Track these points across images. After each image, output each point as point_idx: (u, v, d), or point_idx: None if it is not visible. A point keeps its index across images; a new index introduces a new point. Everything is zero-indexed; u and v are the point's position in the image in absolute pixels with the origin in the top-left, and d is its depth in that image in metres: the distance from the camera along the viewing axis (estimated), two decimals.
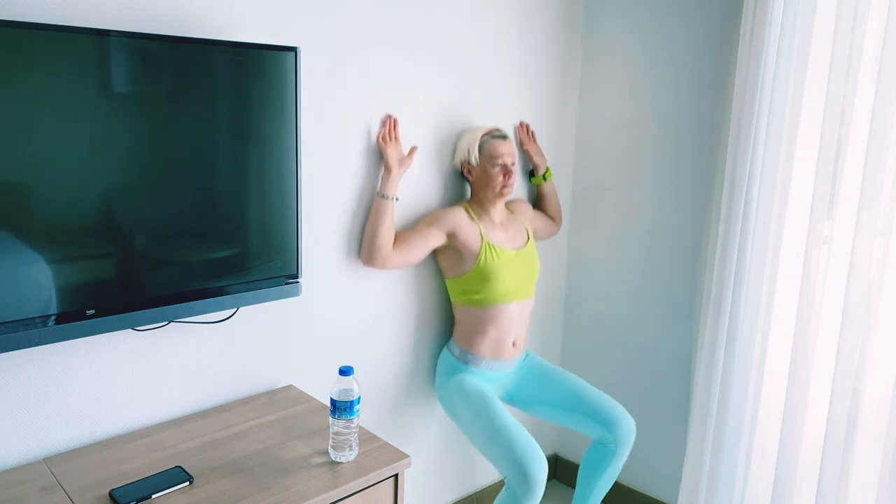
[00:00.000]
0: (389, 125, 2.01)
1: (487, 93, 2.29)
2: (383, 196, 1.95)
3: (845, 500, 1.97)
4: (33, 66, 1.26)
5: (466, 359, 2.14)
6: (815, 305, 1.98)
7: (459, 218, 2.07)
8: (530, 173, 2.47)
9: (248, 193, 1.60)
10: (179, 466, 1.48)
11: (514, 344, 2.18)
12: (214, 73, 1.50)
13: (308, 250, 1.90)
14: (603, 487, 2.19)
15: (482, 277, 2.07)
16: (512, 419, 1.97)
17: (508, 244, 2.15)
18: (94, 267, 1.40)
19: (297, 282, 1.72)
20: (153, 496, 1.37)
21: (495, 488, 2.62)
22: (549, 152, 2.54)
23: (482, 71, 2.26)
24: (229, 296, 1.61)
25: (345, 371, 1.50)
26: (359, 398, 1.52)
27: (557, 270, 2.71)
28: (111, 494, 1.37)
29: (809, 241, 1.97)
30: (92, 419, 1.59)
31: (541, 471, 1.89)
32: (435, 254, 2.18)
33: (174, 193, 1.49)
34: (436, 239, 2.05)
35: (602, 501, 2.68)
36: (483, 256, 2.06)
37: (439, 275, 2.25)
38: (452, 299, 2.18)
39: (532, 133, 2.44)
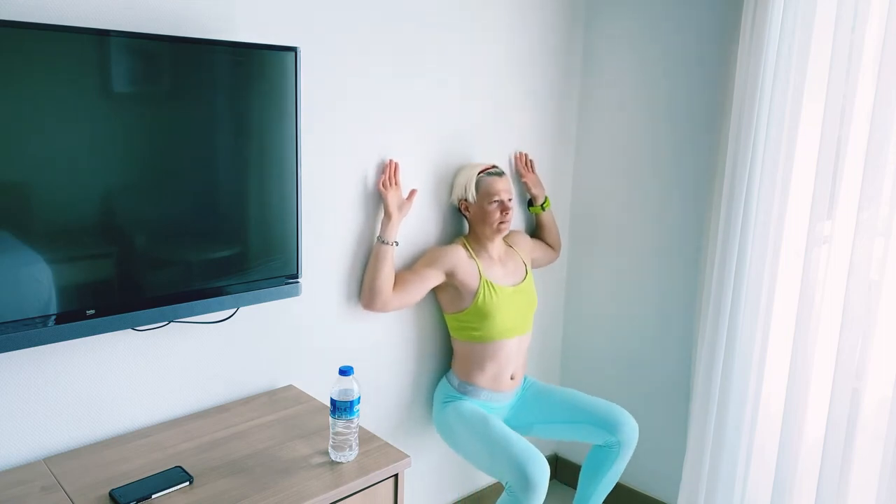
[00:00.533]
0: (390, 171, 2.01)
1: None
2: (383, 241, 1.96)
3: (845, 500, 1.97)
4: (33, 66, 1.26)
5: (465, 390, 2.15)
6: (815, 305, 1.98)
7: (458, 256, 2.08)
8: (529, 202, 2.48)
9: (248, 193, 1.60)
10: (179, 466, 1.48)
11: (511, 377, 2.19)
12: (214, 74, 1.50)
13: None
14: (605, 489, 2.19)
15: (480, 315, 2.09)
16: (510, 430, 1.98)
17: (506, 280, 2.16)
18: (94, 267, 1.40)
19: (297, 282, 1.72)
20: (153, 496, 1.37)
21: (495, 488, 2.62)
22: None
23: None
24: (229, 296, 1.61)
25: (345, 371, 1.50)
26: (359, 398, 1.52)
27: (557, 272, 2.71)
28: (111, 494, 1.37)
29: (809, 241, 1.97)
30: (92, 419, 1.59)
31: (542, 473, 1.89)
32: (434, 290, 2.18)
33: (174, 193, 1.49)
34: (434, 279, 2.06)
35: (602, 502, 2.68)
36: (481, 295, 2.08)
37: (439, 307, 2.27)
38: (451, 334, 2.19)
39: (530, 162, 2.45)
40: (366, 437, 1.64)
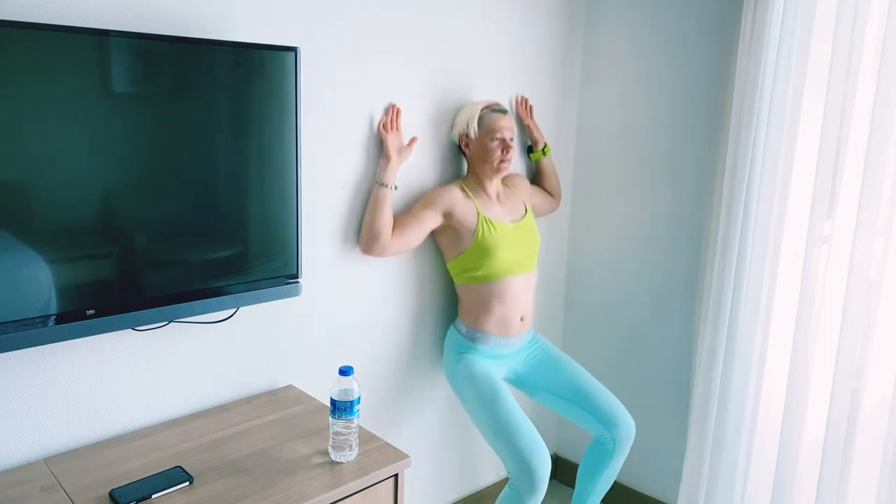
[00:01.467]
0: (392, 114, 2.00)
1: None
2: (382, 184, 1.94)
3: (845, 500, 1.97)
4: (33, 66, 1.26)
5: (474, 336, 2.12)
6: (815, 305, 1.98)
7: (455, 197, 2.06)
8: (528, 149, 2.45)
9: (248, 193, 1.60)
10: (179, 466, 1.48)
11: (521, 319, 2.16)
12: (214, 74, 1.50)
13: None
14: (602, 487, 2.19)
15: (481, 253, 2.06)
16: (519, 412, 1.97)
17: (506, 218, 2.14)
18: (94, 267, 1.40)
19: (297, 282, 1.72)
20: (153, 496, 1.37)
21: (495, 488, 2.62)
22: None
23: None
24: (229, 296, 1.61)
25: (345, 371, 1.50)
26: (359, 398, 1.52)
27: (557, 270, 2.71)
28: (111, 494, 1.37)
29: (809, 241, 1.97)
30: (92, 419, 1.59)
31: (545, 468, 1.89)
32: (434, 235, 2.16)
33: (174, 193, 1.49)
34: (432, 221, 2.03)
35: (602, 501, 2.68)
36: (480, 231, 2.05)
37: (437, 257, 2.24)
38: (455, 280, 2.16)
39: (531, 108, 2.43)
40: (366, 437, 1.64)
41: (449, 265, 2.15)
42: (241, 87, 1.55)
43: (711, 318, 2.15)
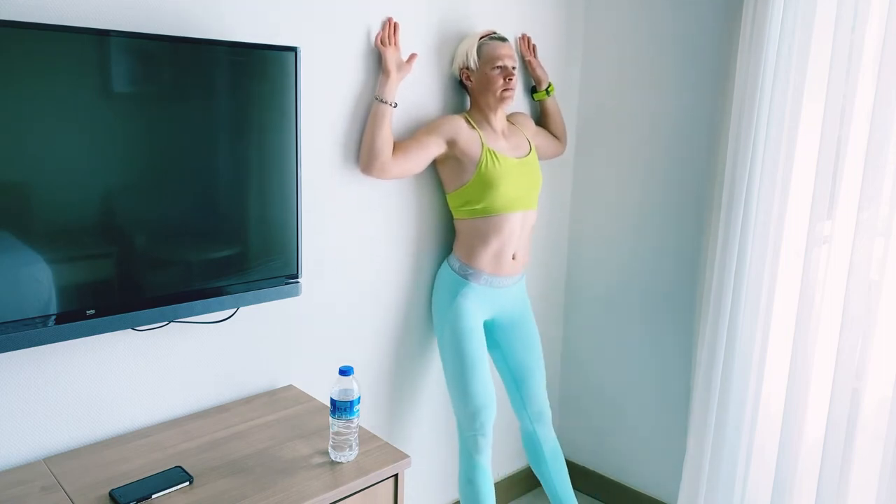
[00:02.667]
0: (389, 28, 1.96)
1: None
2: (381, 100, 1.91)
3: (845, 500, 1.97)
4: (33, 66, 1.26)
5: (466, 273, 2.10)
6: (815, 305, 1.98)
7: (459, 126, 2.03)
8: (532, 89, 2.42)
9: (248, 193, 1.60)
10: (179, 466, 1.48)
11: (514, 257, 2.14)
12: (214, 74, 1.50)
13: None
14: (554, 470, 2.27)
15: (484, 185, 2.03)
16: (485, 364, 2.06)
17: (510, 152, 2.11)
18: (94, 267, 1.40)
19: (297, 282, 1.72)
20: (153, 496, 1.37)
21: (495, 488, 2.62)
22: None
23: None
24: (229, 296, 1.61)
25: (345, 371, 1.51)
26: (359, 398, 1.52)
27: (557, 270, 2.71)
28: (111, 494, 1.37)
29: (809, 241, 1.97)
30: (92, 419, 1.59)
31: (488, 413, 2.04)
32: (435, 166, 2.13)
33: (174, 193, 1.49)
34: (435, 147, 2.00)
35: (601, 501, 2.68)
36: (484, 163, 2.02)
37: (437, 193, 2.20)
38: (454, 214, 2.13)
39: (534, 46, 2.39)
40: (366, 437, 1.64)
41: (449, 198, 2.12)
42: (241, 87, 1.55)
43: (711, 318, 2.15)
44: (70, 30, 1.29)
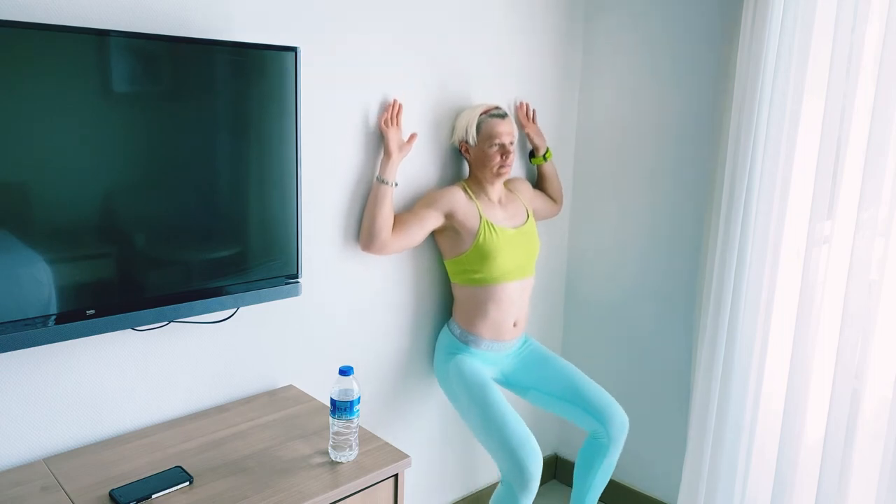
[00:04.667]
0: (393, 110, 1.99)
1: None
2: (382, 181, 1.94)
3: (845, 500, 1.97)
4: (33, 66, 1.26)
5: (466, 339, 2.12)
6: (815, 305, 1.98)
7: (457, 197, 2.06)
8: (530, 153, 2.44)
9: (248, 193, 1.60)
10: (179, 466, 1.48)
11: (514, 324, 2.16)
12: (214, 73, 1.50)
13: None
14: (599, 484, 2.19)
15: (481, 256, 2.05)
16: (510, 410, 1.97)
17: (507, 222, 2.13)
18: (94, 267, 1.40)
19: (297, 282, 1.72)
20: (153, 496, 1.37)
21: (495, 488, 2.62)
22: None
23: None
24: (229, 296, 1.61)
25: (345, 371, 1.51)
26: (359, 398, 1.52)
27: (557, 270, 2.71)
28: (111, 494, 1.37)
29: (809, 241, 1.97)
30: (92, 419, 1.59)
31: (536, 465, 1.90)
32: (433, 234, 2.16)
33: (174, 193, 1.49)
34: (434, 220, 2.03)
35: (601, 501, 2.68)
36: (482, 235, 2.05)
37: (436, 256, 2.24)
38: (452, 279, 2.15)
39: (532, 112, 2.41)
40: (366, 437, 1.64)
41: (447, 264, 2.15)
42: (241, 87, 1.55)
43: (711, 318, 2.15)
44: (70, 30, 1.29)
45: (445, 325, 2.21)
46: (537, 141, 2.39)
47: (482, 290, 2.09)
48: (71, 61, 1.30)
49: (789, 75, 1.95)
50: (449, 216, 2.05)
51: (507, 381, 2.23)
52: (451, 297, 2.29)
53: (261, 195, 1.62)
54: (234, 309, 1.71)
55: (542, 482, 2.79)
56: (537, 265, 2.60)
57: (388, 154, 1.96)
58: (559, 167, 2.60)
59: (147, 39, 1.40)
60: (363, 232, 1.97)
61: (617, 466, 2.65)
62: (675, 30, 2.31)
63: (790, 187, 2.00)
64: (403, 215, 2.02)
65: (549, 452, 2.84)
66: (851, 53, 1.84)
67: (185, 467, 1.49)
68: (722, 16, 2.18)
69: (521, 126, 2.39)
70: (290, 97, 1.63)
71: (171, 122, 1.46)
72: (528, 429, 1.95)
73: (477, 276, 2.08)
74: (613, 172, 2.54)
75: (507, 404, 1.99)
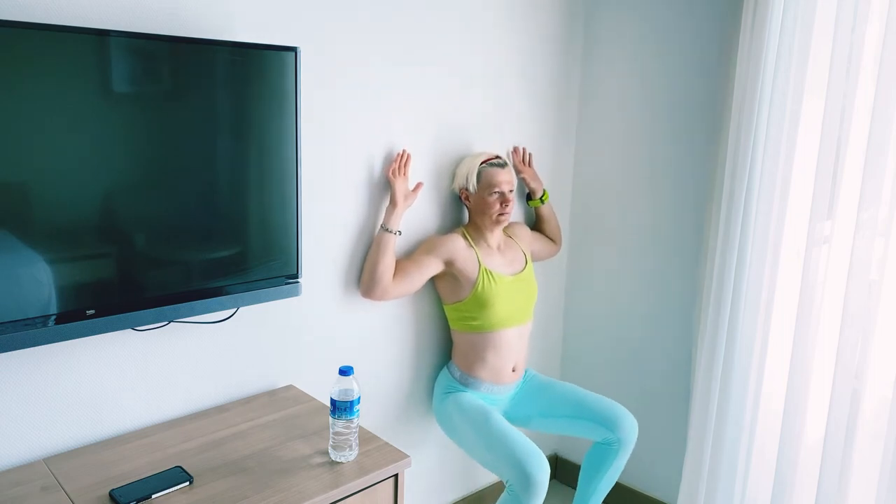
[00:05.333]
0: (401, 160, 2.02)
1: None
2: (387, 230, 1.97)
3: (845, 499, 1.97)
4: (33, 66, 1.26)
5: (466, 382, 2.15)
6: (815, 305, 1.98)
7: (457, 245, 2.08)
8: (527, 196, 2.47)
9: (248, 193, 1.60)
10: (179, 466, 1.48)
11: (513, 370, 2.18)
12: (214, 74, 1.50)
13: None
14: (605, 487, 2.19)
15: (480, 304, 2.08)
16: (510, 426, 1.98)
17: (506, 269, 2.16)
18: (95, 267, 1.40)
19: (297, 282, 1.72)
20: (153, 496, 1.37)
21: (495, 488, 2.62)
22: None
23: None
24: (229, 296, 1.61)
25: (345, 371, 1.51)
26: (359, 398, 1.52)
27: (558, 268, 2.71)
28: (111, 494, 1.37)
29: (809, 241, 1.97)
30: (92, 419, 1.59)
31: (542, 471, 1.89)
32: (433, 280, 2.18)
33: (174, 193, 1.49)
34: (434, 267, 2.05)
35: (602, 501, 2.68)
36: (481, 283, 2.07)
37: (438, 299, 2.26)
38: (451, 325, 2.18)
39: (529, 156, 2.44)
40: (366, 437, 1.64)
41: (447, 309, 2.18)
42: (241, 88, 1.55)
43: (711, 319, 2.15)
44: (70, 30, 1.29)
45: (445, 368, 2.23)
46: (534, 185, 2.41)
47: (480, 337, 2.11)
48: (71, 61, 1.30)
49: (789, 75, 1.95)
50: (449, 263, 2.07)
51: (507, 417, 2.24)
52: (450, 336, 2.30)
53: (261, 195, 1.62)
54: (234, 309, 1.71)
55: None
56: (537, 264, 2.60)
57: (393, 203, 1.98)
58: (560, 168, 2.60)
59: (147, 39, 1.40)
60: (364, 278, 1.99)
61: None
62: (675, 30, 2.31)
63: (790, 187, 2.00)
64: (403, 262, 2.03)
65: (549, 452, 2.84)
66: (851, 53, 1.84)
67: (185, 467, 1.49)
68: (722, 16, 2.18)
69: (517, 171, 2.41)
70: (290, 97, 1.63)
71: (171, 123, 1.46)
72: (529, 440, 1.95)
73: (475, 322, 2.10)
74: (614, 171, 2.54)
75: (506, 422, 2.00)
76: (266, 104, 1.60)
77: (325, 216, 1.92)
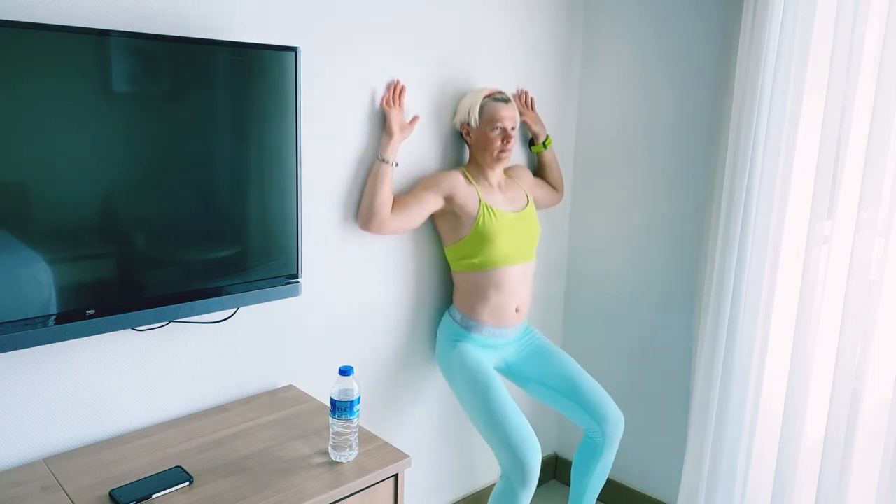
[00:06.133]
0: (395, 90, 1.99)
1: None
2: (383, 160, 1.94)
3: (845, 499, 1.97)
4: (33, 66, 1.26)
5: (468, 325, 2.11)
6: (815, 305, 1.98)
7: (457, 181, 2.06)
8: (530, 141, 2.44)
9: (248, 193, 1.60)
10: (179, 466, 1.48)
11: (517, 310, 2.15)
12: (214, 74, 1.50)
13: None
14: (596, 483, 2.20)
15: (481, 240, 2.05)
16: (512, 404, 1.98)
17: (507, 207, 2.13)
18: (95, 267, 1.40)
19: (297, 282, 1.72)
20: (153, 496, 1.37)
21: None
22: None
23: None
24: (229, 296, 1.61)
25: (345, 371, 1.51)
26: (359, 398, 1.52)
27: (557, 270, 2.71)
28: (111, 494, 1.37)
29: (809, 241, 1.97)
30: (92, 419, 1.59)
31: (535, 460, 1.91)
32: (433, 220, 2.16)
33: (174, 193, 1.49)
34: (433, 203, 2.03)
35: (601, 500, 2.68)
36: (481, 218, 2.04)
37: (436, 244, 2.23)
38: (452, 267, 2.15)
39: (531, 101, 2.41)
40: (366, 437, 1.64)
41: (447, 251, 2.15)
42: (240, 87, 1.55)
43: (711, 318, 2.15)
44: (70, 30, 1.29)
45: (447, 312, 2.20)
46: (536, 128, 2.38)
47: (483, 275, 2.08)
48: (71, 61, 1.30)
49: (789, 75, 1.95)
50: (448, 199, 2.04)
51: (508, 370, 2.23)
52: (450, 284, 2.28)
53: (261, 195, 1.62)
54: (234, 309, 1.71)
55: (542, 482, 2.79)
56: (537, 263, 2.60)
57: (389, 134, 1.96)
58: (560, 165, 2.60)
59: (147, 39, 1.40)
60: (362, 210, 1.96)
61: (617, 466, 2.65)
62: (675, 30, 2.31)
63: (790, 187, 2.00)
64: (403, 196, 2.01)
65: (549, 452, 2.85)
66: (851, 53, 1.84)
67: (185, 467, 1.49)
68: (722, 16, 2.18)
69: (519, 114, 2.37)
70: (290, 97, 1.63)
71: (171, 122, 1.46)
72: (528, 425, 1.95)
73: (476, 260, 2.07)
74: (613, 172, 2.54)
75: (509, 398, 1.99)
76: (266, 104, 1.60)
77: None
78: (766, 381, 2.12)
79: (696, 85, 2.27)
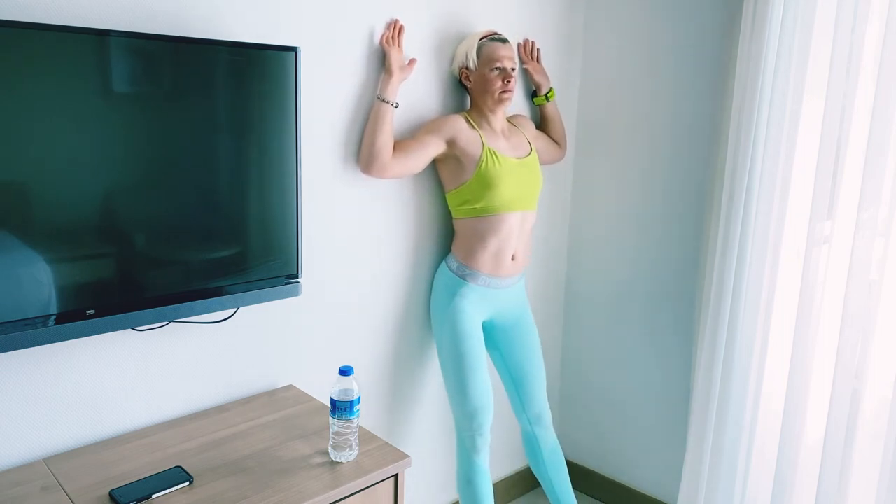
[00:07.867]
0: (395, 29, 1.97)
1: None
2: (383, 100, 1.91)
3: (845, 499, 1.97)
4: (33, 65, 1.26)
5: (464, 273, 2.09)
6: (815, 305, 1.98)
7: (459, 125, 2.03)
8: (533, 94, 2.41)
9: (248, 193, 1.60)
10: (179, 466, 1.48)
11: (513, 258, 2.13)
12: (214, 74, 1.50)
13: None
14: (553, 473, 2.27)
15: (483, 184, 2.02)
16: (483, 367, 2.06)
17: (510, 152, 2.11)
18: (95, 267, 1.40)
19: (297, 282, 1.72)
20: (153, 496, 1.37)
21: (495, 488, 2.62)
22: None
23: None
24: (229, 296, 1.61)
25: (345, 371, 1.51)
26: (359, 398, 1.52)
27: (557, 269, 2.71)
28: (111, 494, 1.37)
29: (809, 241, 1.97)
30: (92, 419, 1.59)
31: (485, 413, 2.05)
32: (435, 165, 2.13)
33: (174, 193, 1.49)
34: (435, 146, 2.00)
35: (601, 500, 2.68)
36: (484, 162, 2.02)
37: (436, 193, 2.20)
38: (453, 214, 2.13)
39: (537, 51, 2.38)
40: (366, 437, 1.64)
41: (448, 197, 2.12)
42: (241, 87, 1.55)
43: (711, 318, 2.15)
44: (70, 30, 1.29)
45: (443, 261, 2.16)
46: (539, 79, 2.35)
47: (483, 221, 2.06)
48: (71, 61, 1.30)
49: (789, 75, 1.95)
50: (451, 143, 2.02)
51: (490, 328, 2.22)
52: (451, 235, 2.24)
53: (261, 195, 1.62)
54: (234, 309, 1.71)
55: (525, 492, 2.77)
56: (536, 262, 2.60)
57: (388, 72, 1.93)
58: (559, 165, 2.60)
59: (147, 39, 1.40)
60: (363, 152, 1.93)
61: (617, 466, 2.65)
62: (675, 30, 2.31)
63: (790, 187, 2.00)
64: (405, 140, 1.99)
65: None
66: (851, 53, 1.84)
67: (185, 467, 1.49)
68: (722, 15, 2.18)
69: (522, 63, 2.34)
70: (290, 97, 1.63)
71: (171, 123, 1.46)
72: (491, 390, 2.07)
73: (478, 205, 2.05)
74: (613, 172, 2.54)
75: (485, 369, 2.08)
76: (266, 104, 1.60)
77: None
78: (766, 381, 2.12)
79: (696, 85, 2.27)
